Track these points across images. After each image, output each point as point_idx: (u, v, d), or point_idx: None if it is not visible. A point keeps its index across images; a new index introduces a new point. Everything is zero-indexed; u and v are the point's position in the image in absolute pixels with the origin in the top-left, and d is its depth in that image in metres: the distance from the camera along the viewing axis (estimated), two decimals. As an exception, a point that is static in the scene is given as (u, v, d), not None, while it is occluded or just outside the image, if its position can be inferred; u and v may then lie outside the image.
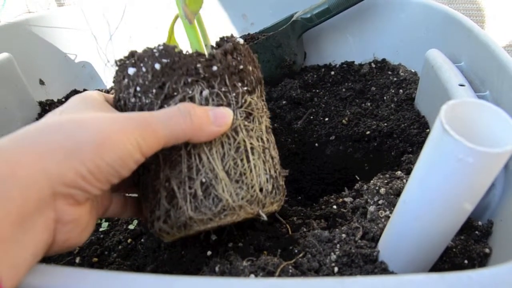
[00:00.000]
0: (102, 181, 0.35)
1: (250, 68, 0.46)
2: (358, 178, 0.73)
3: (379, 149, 0.75)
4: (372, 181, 0.56)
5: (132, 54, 0.44)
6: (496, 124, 0.33)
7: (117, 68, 0.46)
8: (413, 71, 0.89)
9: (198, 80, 0.41)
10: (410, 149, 0.70)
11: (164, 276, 0.30)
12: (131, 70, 0.43)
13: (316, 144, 0.81)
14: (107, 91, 1.06)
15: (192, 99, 0.41)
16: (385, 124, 0.76)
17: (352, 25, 0.97)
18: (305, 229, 0.51)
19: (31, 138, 0.33)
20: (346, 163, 0.79)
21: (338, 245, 0.45)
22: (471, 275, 0.28)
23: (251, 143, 0.43)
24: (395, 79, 0.88)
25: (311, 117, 0.84)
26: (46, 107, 0.98)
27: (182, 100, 0.41)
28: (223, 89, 0.42)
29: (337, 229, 0.48)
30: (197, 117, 0.39)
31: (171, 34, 0.50)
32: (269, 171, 0.45)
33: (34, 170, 0.31)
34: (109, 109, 0.42)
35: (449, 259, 0.44)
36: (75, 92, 1.07)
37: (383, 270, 0.42)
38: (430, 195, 0.35)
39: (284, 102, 0.87)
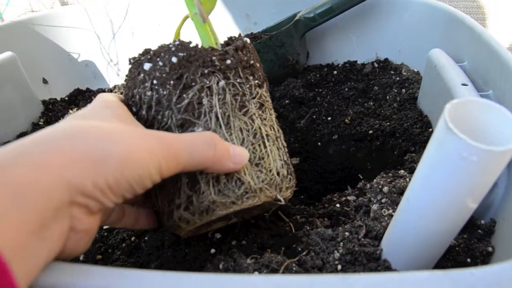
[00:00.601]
0: (117, 195, 0.35)
1: (258, 65, 0.49)
2: (361, 177, 0.73)
3: (382, 148, 0.75)
4: (375, 180, 0.56)
5: (147, 51, 0.47)
6: (500, 122, 0.33)
7: (130, 65, 0.47)
8: (415, 70, 0.89)
9: (215, 71, 0.43)
10: (413, 148, 0.70)
11: (172, 273, 0.30)
12: (147, 65, 0.44)
13: (319, 143, 0.81)
14: (110, 90, 1.06)
15: (210, 89, 0.43)
16: (388, 123, 0.76)
17: (355, 24, 0.97)
18: (308, 228, 0.51)
19: (56, 143, 0.32)
20: (348, 162, 0.80)
21: (341, 243, 0.46)
22: (474, 272, 0.28)
23: (266, 131, 0.45)
24: (397, 78, 0.88)
25: (314, 117, 0.84)
26: (49, 105, 0.98)
27: (201, 90, 0.42)
28: (238, 80, 0.44)
29: (340, 228, 0.49)
30: (220, 150, 0.39)
31: (178, 33, 0.51)
32: (283, 157, 0.47)
33: (57, 178, 0.30)
34: (133, 120, 0.42)
35: (452, 258, 0.44)
36: (78, 91, 1.07)
37: (387, 268, 0.42)
38: (433, 193, 0.35)
39: (287, 101, 0.87)
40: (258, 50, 0.88)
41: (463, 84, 0.61)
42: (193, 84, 0.42)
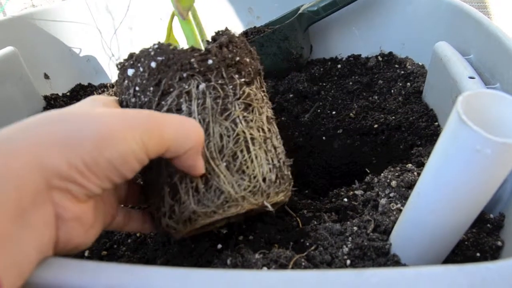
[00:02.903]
0: (101, 178, 0.33)
1: (247, 60, 0.46)
2: (368, 171, 0.73)
3: (387, 142, 0.75)
4: (382, 174, 0.55)
5: (131, 55, 0.45)
6: (512, 114, 0.33)
7: (118, 71, 0.46)
8: (420, 64, 0.88)
9: (194, 74, 0.41)
10: (419, 142, 0.69)
11: (181, 269, 0.30)
12: (130, 71, 0.43)
13: (324, 138, 0.80)
14: (112, 85, 1.06)
15: (188, 94, 0.41)
16: (393, 117, 0.76)
17: (358, 18, 0.97)
18: (315, 222, 0.50)
19: (29, 129, 0.31)
20: (353, 157, 0.79)
21: (350, 238, 0.45)
22: (489, 266, 0.28)
23: (251, 134, 0.43)
24: (402, 72, 0.87)
25: (318, 111, 0.83)
26: (51, 101, 0.98)
27: (179, 95, 0.41)
28: (219, 82, 0.42)
29: (348, 222, 0.48)
30: (202, 136, 0.39)
31: (170, 31, 0.50)
32: (272, 160, 0.44)
33: (28, 161, 0.29)
34: (118, 107, 0.42)
35: (461, 252, 0.44)
36: (79, 86, 1.07)
37: (396, 262, 0.41)
38: (445, 187, 0.34)
39: (291, 95, 0.86)
40: (262, 44, 0.88)
41: (470, 77, 0.60)
42: (171, 89, 0.41)
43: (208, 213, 0.41)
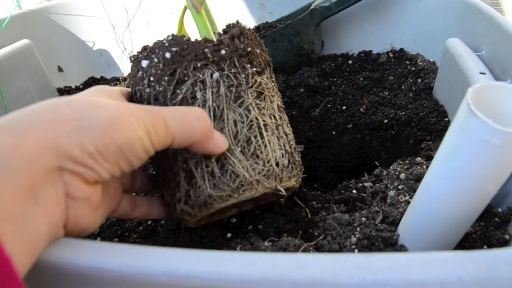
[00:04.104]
0: (111, 163, 0.34)
1: (258, 51, 0.48)
2: (378, 164, 0.73)
3: (397, 137, 0.75)
4: (392, 167, 0.56)
5: (145, 48, 0.46)
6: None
7: (131, 64, 0.47)
8: (431, 60, 0.88)
9: (208, 64, 0.43)
10: (429, 138, 0.69)
11: (194, 250, 0.30)
12: (144, 63, 0.44)
13: (334, 132, 0.81)
14: (124, 79, 1.07)
15: (203, 82, 0.42)
16: (403, 112, 0.76)
17: (370, 14, 0.97)
18: (324, 213, 0.51)
19: (40, 112, 0.33)
20: (363, 152, 0.80)
21: (358, 228, 0.46)
22: (496, 253, 0.28)
23: (264, 120, 0.44)
24: (413, 68, 0.87)
25: (329, 105, 0.84)
26: (64, 93, 0.99)
27: (194, 84, 0.42)
28: (233, 71, 0.43)
29: (357, 213, 0.49)
30: (208, 126, 0.39)
31: (181, 26, 0.52)
32: (284, 146, 0.45)
33: (41, 142, 0.30)
34: (123, 100, 0.43)
35: (469, 245, 0.44)
36: (92, 79, 1.08)
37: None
38: (454, 177, 0.35)
39: (301, 90, 0.87)
40: (274, 39, 0.88)
41: (481, 73, 0.60)
42: (186, 78, 0.42)
43: (224, 196, 0.42)
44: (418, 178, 0.51)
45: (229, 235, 0.50)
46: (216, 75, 0.43)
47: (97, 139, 0.32)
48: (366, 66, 0.94)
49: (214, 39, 0.45)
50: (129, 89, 0.47)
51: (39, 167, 0.30)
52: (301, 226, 0.49)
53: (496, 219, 0.47)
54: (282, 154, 0.45)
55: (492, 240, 0.45)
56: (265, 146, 0.43)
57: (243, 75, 0.44)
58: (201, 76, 0.42)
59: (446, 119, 0.70)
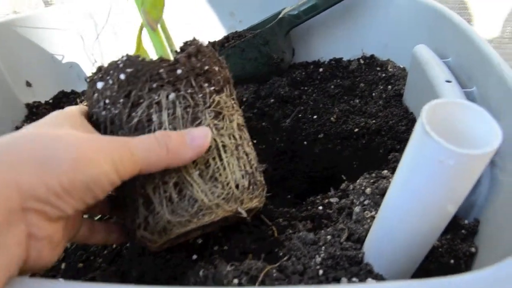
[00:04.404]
0: (76, 200, 0.33)
1: (216, 68, 0.46)
2: (345, 178, 0.73)
3: (368, 146, 0.74)
4: (358, 181, 0.55)
5: (100, 69, 0.45)
6: (480, 124, 0.33)
7: (87, 85, 0.45)
8: (401, 66, 0.88)
9: (163, 84, 0.41)
10: (398, 147, 0.69)
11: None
12: (100, 84, 0.43)
13: (305, 142, 0.80)
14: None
15: (158, 104, 0.41)
16: (373, 121, 0.75)
17: (340, 21, 0.96)
18: (290, 231, 0.50)
19: (2, 148, 0.32)
20: (335, 161, 0.79)
21: (323, 247, 0.45)
22: (452, 280, 0.28)
23: (222, 141, 0.43)
24: (383, 75, 0.87)
25: (300, 115, 0.83)
26: (33, 109, 0.96)
27: (149, 106, 0.41)
28: (189, 91, 0.42)
29: (322, 231, 0.48)
30: (174, 146, 0.38)
31: (139, 43, 0.50)
32: (244, 167, 0.44)
33: (3, 182, 0.29)
34: (86, 128, 0.41)
35: (435, 259, 0.44)
36: (62, 93, 1.06)
37: (368, 272, 0.41)
38: (412, 197, 0.34)
39: (272, 100, 0.86)
40: (243, 48, 0.88)
41: (447, 81, 0.60)
42: (141, 101, 0.41)
43: (183, 222, 0.41)
44: (384, 193, 0.50)
45: (194, 257, 0.49)
46: (172, 96, 0.41)
47: (62, 177, 0.32)
48: (337, 73, 0.93)
49: (171, 58, 0.44)
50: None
51: (2, 208, 0.29)
52: (266, 246, 0.48)
53: (463, 231, 0.47)
54: (242, 175, 0.44)
55: (458, 253, 0.45)
56: (224, 169, 0.42)
57: (200, 95, 0.43)
58: (156, 97, 0.41)
59: (416, 127, 0.70)
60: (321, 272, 0.42)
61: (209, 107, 0.43)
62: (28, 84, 1.01)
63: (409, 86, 0.76)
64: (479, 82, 0.58)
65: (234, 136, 0.45)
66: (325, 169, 0.80)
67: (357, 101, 0.83)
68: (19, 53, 1.01)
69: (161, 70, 0.42)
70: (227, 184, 0.42)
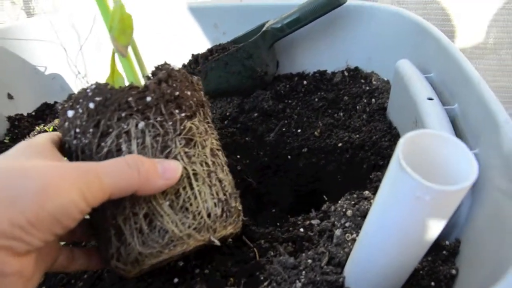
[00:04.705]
0: (44, 232, 0.33)
1: (188, 93, 0.46)
2: (326, 198, 0.72)
3: (351, 161, 0.75)
4: (339, 202, 0.55)
5: (70, 97, 0.45)
6: (456, 157, 0.33)
7: (59, 113, 0.45)
8: (385, 79, 0.88)
9: (132, 113, 0.41)
10: (381, 163, 0.69)
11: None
12: (70, 113, 0.42)
13: (289, 157, 0.80)
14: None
15: (127, 133, 0.41)
16: (357, 135, 0.76)
17: (324, 33, 0.96)
18: (272, 253, 0.50)
19: None
20: (319, 175, 0.79)
21: (303, 272, 0.45)
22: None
23: (193, 169, 0.42)
24: (367, 88, 0.87)
25: (284, 129, 0.83)
26: (16, 122, 0.95)
27: (118, 136, 0.40)
28: (158, 119, 0.42)
29: (303, 254, 0.48)
30: (145, 171, 0.38)
31: (114, 67, 0.49)
32: (217, 194, 0.44)
33: None
34: (55, 156, 0.40)
35: (416, 282, 0.44)
36: (45, 105, 1.05)
37: (349, 297, 0.41)
38: (389, 230, 0.34)
39: (256, 114, 0.85)
40: (226, 62, 0.87)
41: (429, 99, 0.60)
42: (111, 130, 0.41)
43: (154, 253, 0.40)
44: (365, 215, 0.50)
45: (176, 280, 0.49)
46: (141, 124, 0.41)
47: (27, 210, 0.31)
48: (321, 86, 0.93)
49: (142, 84, 0.43)
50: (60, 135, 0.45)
51: None
52: (248, 269, 0.48)
53: (444, 252, 0.47)
54: (215, 203, 0.43)
55: (439, 276, 0.45)
56: (195, 198, 0.42)
57: (171, 123, 0.42)
58: (125, 126, 0.41)
59: (399, 142, 0.70)
60: (301, 298, 0.42)
61: (180, 134, 0.43)
62: (10, 96, 1.00)
63: (392, 100, 0.76)
64: (461, 99, 0.58)
65: (206, 163, 0.44)
66: (310, 183, 0.80)
67: (341, 114, 0.84)
68: (0, 65, 0.99)
69: (130, 99, 0.41)
70: (199, 213, 0.42)
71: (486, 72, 1.14)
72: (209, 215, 0.42)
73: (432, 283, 0.44)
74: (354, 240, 0.47)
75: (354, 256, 0.42)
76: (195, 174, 0.42)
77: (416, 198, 0.30)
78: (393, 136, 0.72)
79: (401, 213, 0.32)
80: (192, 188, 0.42)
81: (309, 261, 0.46)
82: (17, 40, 1.02)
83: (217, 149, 0.47)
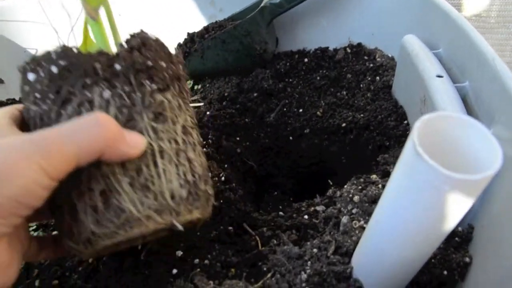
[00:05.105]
0: (6, 217, 0.31)
1: (164, 64, 0.42)
2: (331, 183, 0.70)
3: (356, 142, 0.72)
4: (345, 187, 0.52)
5: (33, 59, 0.40)
6: (478, 142, 0.30)
7: (21, 76, 0.41)
8: (390, 56, 0.85)
9: (98, 81, 0.37)
10: (388, 143, 0.66)
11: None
12: (31, 76, 0.39)
13: (291, 138, 0.77)
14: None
15: (91, 103, 0.37)
16: (362, 115, 0.73)
17: (325, 8, 0.92)
18: (275, 242, 0.48)
19: None
20: (322, 156, 0.76)
21: (309, 262, 0.43)
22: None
23: (160, 146, 0.39)
24: (371, 65, 0.83)
25: (285, 109, 0.80)
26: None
27: (80, 104, 0.37)
28: (126, 89, 0.38)
29: (308, 243, 0.45)
30: (111, 131, 0.34)
31: (86, 33, 0.45)
32: (184, 175, 0.40)
33: None
34: (12, 132, 0.37)
35: (428, 270, 0.42)
36: (38, 87, 1.02)
37: (358, 288, 0.39)
38: (403, 220, 0.32)
39: (255, 94, 0.82)
40: (223, 40, 0.84)
41: (438, 76, 0.57)
42: (73, 97, 0.37)
43: (108, 233, 0.37)
44: (373, 200, 0.48)
45: (174, 271, 0.47)
46: (106, 94, 0.37)
47: None
48: (323, 63, 0.89)
49: (113, 51, 0.40)
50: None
51: None
52: (249, 259, 0.45)
53: (457, 238, 0.45)
54: (181, 184, 0.39)
55: (452, 264, 0.42)
56: (159, 176, 0.38)
57: (139, 94, 0.39)
58: (89, 95, 0.37)
59: (406, 121, 0.67)
60: (307, 290, 0.40)
61: (148, 107, 0.39)
62: (1, 81, 0.97)
63: (398, 78, 0.73)
64: (472, 76, 0.55)
65: (176, 140, 0.41)
66: (313, 164, 0.78)
67: (344, 93, 0.80)
68: (-11, 49, 0.96)
69: (97, 65, 0.38)
70: (161, 194, 0.38)
71: (493, 47, 1.10)
72: (172, 197, 0.39)
73: (445, 272, 0.42)
74: (362, 227, 0.45)
75: (363, 246, 0.40)
76: (161, 152, 0.39)
77: (433, 188, 0.27)
78: (399, 116, 0.69)
79: (416, 203, 0.30)
80: (156, 166, 0.38)
81: (315, 250, 0.44)
82: (5, 21, 0.98)
83: (191, 127, 0.44)
